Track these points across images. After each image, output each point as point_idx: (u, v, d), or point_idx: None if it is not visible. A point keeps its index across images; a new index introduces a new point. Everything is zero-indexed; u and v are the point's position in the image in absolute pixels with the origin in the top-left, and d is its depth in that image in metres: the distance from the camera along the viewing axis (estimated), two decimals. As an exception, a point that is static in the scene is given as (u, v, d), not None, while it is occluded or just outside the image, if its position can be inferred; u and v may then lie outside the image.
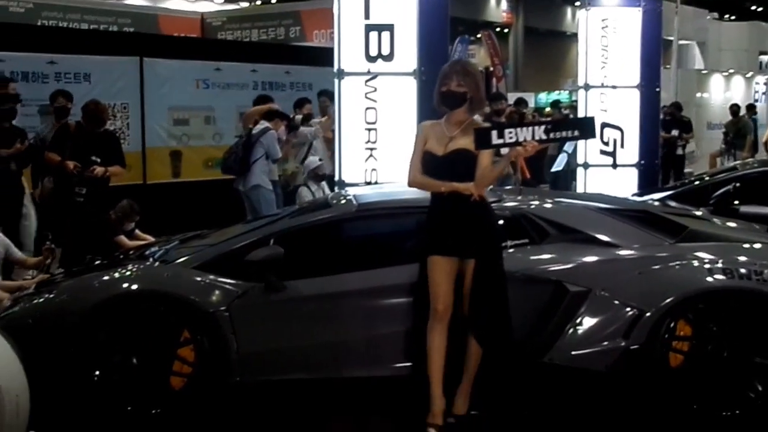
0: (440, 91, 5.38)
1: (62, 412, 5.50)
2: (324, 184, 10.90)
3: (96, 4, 20.00)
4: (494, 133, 5.15)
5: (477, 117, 5.55)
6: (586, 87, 11.92)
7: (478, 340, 5.30)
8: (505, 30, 42.24)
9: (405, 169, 5.65)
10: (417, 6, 8.05)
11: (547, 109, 25.16)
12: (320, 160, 11.09)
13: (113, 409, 5.53)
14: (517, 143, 5.11)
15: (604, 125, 11.59)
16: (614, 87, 11.77)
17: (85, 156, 8.74)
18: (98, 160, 8.72)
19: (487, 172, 5.23)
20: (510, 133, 5.12)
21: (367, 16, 8.10)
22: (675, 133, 16.87)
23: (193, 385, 5.63)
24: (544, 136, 5.14)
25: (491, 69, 30.42)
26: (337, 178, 8.40)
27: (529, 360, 5.58)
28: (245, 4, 32.72)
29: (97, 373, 5.55)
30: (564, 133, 5.25)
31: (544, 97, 34.40)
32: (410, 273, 5.58)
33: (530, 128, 5.13)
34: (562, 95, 33.77)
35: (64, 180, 8.78)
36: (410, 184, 5.55)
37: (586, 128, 5.35)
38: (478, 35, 37.64)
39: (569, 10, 45.17)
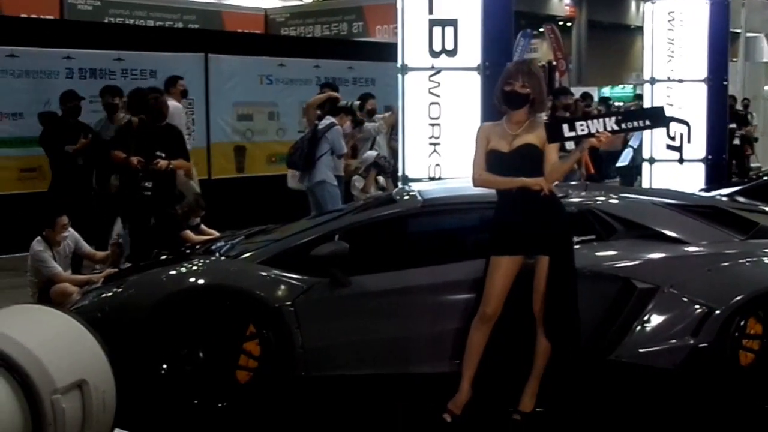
0: (503, 91, 5.34)
1: (129, 405, 5.55)
2: (381, 178, 10.92)
3: (162, 2, 20.21)
4: (566, 126, 5.17)
5: (541, 115, 5.50)
6: (652, 81, 11.75)
7: (548, 337, 5.26)
8: (568, 24, 41.93)
9: (469, 165, 5.63)
10: (481, 0, 8.01)
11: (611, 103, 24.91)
12: (380, 155, 11.09)
13: (180, 403, 5.58)
14: (589, 135, 5.12)
15: (670, 119, 11.43)
16: (681, 81, 11.58)
17: (149, 151, 8.83)
18: (162, 154, 8.80)
19: (557, 167, 5.22)
20: (582, 125, 5.13)
21: (430, 11, 8.07)
22: (733, 126, 16.58)
23: (258, 379, 5.66)
24: (615, 127, 5.15)
25: (554, 63, 30.19)
26: (400, 173, 8.40)
27: (596, 357, 5.53)
28: (308, 0, 32.84)
29: (165, 366, 5.60)
30: (635, 123, 5.24)
31: (608, 92, 34.07)
32: (475, 269, 5.56)
33: (601, 120, 5.14)
34: (626, 89, 33.44)
35: (130, 176, 8.88)
36: (476, 184, 5.51)
37: (656, 117, 5.35)
38: (541, 29, 37.43)
39: (633, 3, 44.71)
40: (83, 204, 9.73)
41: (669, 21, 11.60)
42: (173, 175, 9.15)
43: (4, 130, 11.35)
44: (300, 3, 30.38)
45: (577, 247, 5.67)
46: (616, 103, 20.18)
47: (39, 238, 8.21)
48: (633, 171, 13.36)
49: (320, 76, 14.52)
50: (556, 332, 5.29)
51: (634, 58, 44.28)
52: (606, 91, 33.74)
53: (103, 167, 10.25)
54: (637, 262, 5.72)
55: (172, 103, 10.62)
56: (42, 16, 15.80)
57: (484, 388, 5.41)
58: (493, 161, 5.39)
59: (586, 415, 5.56)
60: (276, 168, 13.04)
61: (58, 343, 2.86)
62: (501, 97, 5.37)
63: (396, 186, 9.30)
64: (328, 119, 10.39)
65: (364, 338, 5.74)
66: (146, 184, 8.71)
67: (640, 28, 43.97)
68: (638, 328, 5.53)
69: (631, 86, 34.46)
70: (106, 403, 2.84)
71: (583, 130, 5.12)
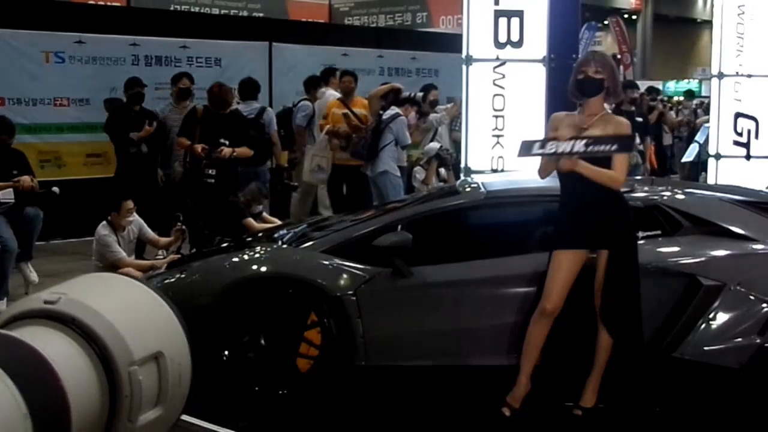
0: (577, 79, 5.29)
1: (191, 390, 5.60)
2: (442, 170, 10.87)
3: (227, -10, 20.39)
4: (537, 144, 5.19)
5: (608, 108, 5.43)
6: (720, 76, 11.55)
7: (609, 332, 5.21)
8: (634, 16, 41.40)
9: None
10: (548, -8, 7.95)
11: (676, 98, 24.61)
12: (442, 147, 11.05)
13: (241, 389, 5.62)
14: (555, 154, 5.11)
15: (738, 115, 11.24)
16: (749, 76, 11.37)
17: (214, 139, 8.90)
18: (226, 142, 8.87)
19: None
20: (552, 145, 5.13)
21: (496, 2, 8.03)
22: None
23: (318, 368, 5.68)
24: (582, 149, 5.11)
25: (619, 56, 29.95)
26: (463, 164, 8.37)
27: (659, 354, 5.46)
28: (372, -10, 32.83)
29: (227, 352, 5.65)
30: (603, 147, 5.16)
31: (673, 86, 33.65)
32: (537, 262, 5.52)
33: (571, 142, 5.09)
34: (692, 84, 32.96)
35: (194, 163, 8.97)
36: (541, 175, 5.47)
37: (624, 144, 5.29)
38: (606, 22, 37.07)
39: (701, -3, 44.06)
40: (147, 190, 9.83)
41: (739, 15, 11.38)
42: (236, 163, 9.22)
43: (71, 116, 11.52)
44: (364, -7, 30.40)
45: (642, 242, 5.60)
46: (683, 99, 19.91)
47: (104, 222, 8.31)
48: (698, 166, 13.18)
49: (383, 66, 14.55)
50: (616, 328, 5.24)
51: (699, 53, 43.69)
52: (671, 85, 33.30)
53: (168, 154, 10.37)
54: (703, 259, 5.63)
55: (330, 92, 10.82)
56: (109, 3, 15.99)
57: (545, 383, 5.38)
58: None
59: (647, 412, 5.50)
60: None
61: (135, 313, 2.87)
62: (575, 86, 5.32)
63: (457, 178, 9.28)
64: (393, 110, 10.39)
65: (424, 329, 5.73)
66: (209, 171, 8.79)
67: (706, 22, 43.51)
68: (703, 325, 5.45)
69: (696, 81, 34.01)
70: (182, 377, 2.85)
71: (552, 149, 5.13)
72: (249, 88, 11.02)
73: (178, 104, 10.60)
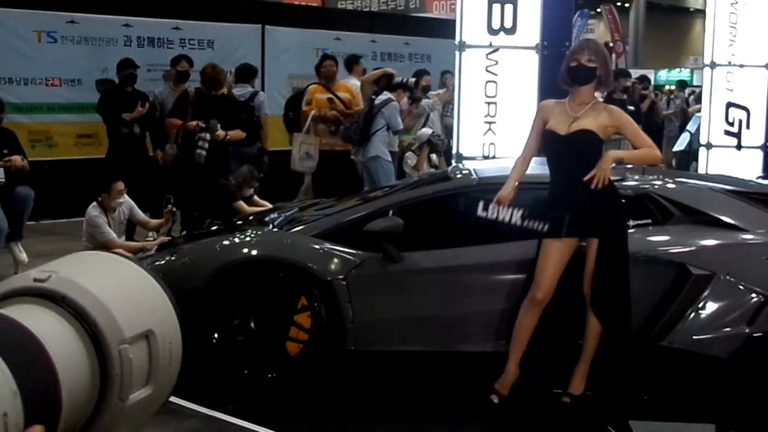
0: (569, 67, 5.29)
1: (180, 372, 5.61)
2: (433, 156, 10.88)
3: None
4: (481, 205, 5.62)
5: (599, 97, 5.44)
6: (712, 65, 11.57)
7: (599, 320, 5.23)
8: (626, 4, 41.36)
9: (524, 144, 5.63)
10: (541, -22, 7.94)
11: (667, 87, 24.64)
12: (434, 133, 11.06)
13: (231, 372, 5.63)
14: (495, 220, 5.50)
15: (729, 105, 11.27)
16: (741, 66, 11.39)
17: (206, 120, 8.91)
18: (218, 123, 8.87)
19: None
20: (493, 209, 5.51)
21: (491, -12, 8.00)
22: None
23: (308, 352, 5.69)
24: (519, 221, 5.48)
25: (611, 45, 29.93)
26: (455, 151, 8.37)
27: (648, 343, 5.48)
28: (365, -26, 32.72)
29: (216, 335, 5.65)
30: (536, 224, 5.45)
31: (665, 75, 33.67)
32: (526, 249, 5.53)
33: (510, 210, 5.47)
34: (684, 73, 33.00)
35: (187, 142, 8.95)
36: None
37: (555, 225, 5.36)
38: (598, 9, 37.06)
39: (693, -14, 44.03)
40: (138, 171, 9.81)
41: (732, 4, 11.40)
42: (228, 146, 9.22)
43: (62, 96, 11.50)
44: (357, -23, 30.31)
45: (632, 231, 5.61)
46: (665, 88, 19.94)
47: (94, 203, 8.30)
48: (690, 156, 13.21)
49: (376, 51, 14.53)
50: (605, 315, 5.26)
51: (692, 42, 43.70)
52: (663, 74, 33.33)
53: (163, 136, 10.36)
54: (693, 248, 5.64)
55: (352, 81, 10.79)
56: (102, -16, 15.88)
57: (533, 370, 5.40)
58: (548, 142, 5.39)
59: (635, 400, 5.52)
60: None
61: (126, 291, 2.85)
62: (566, 74, 5.32)
63: (449, 164, 9.28)
64: (385, 95, 10.38)
65: (414, 314, 5.74)
66: (202, 144, 8.76)
67: (699, 11, 43.49)
68: (692, 315, 5.47)
69: (688, 70, 34.04)
70: (173, 355, 2.83)
71: (493, 214, 5.50)
72: (245, 72, 11.11)
73: (176, 87, 10.57)
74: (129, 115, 10.16)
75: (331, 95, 10.45)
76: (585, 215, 5.21)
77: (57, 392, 2.41)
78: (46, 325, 2.48)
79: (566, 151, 5.28)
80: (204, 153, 8.73)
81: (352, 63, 11.88)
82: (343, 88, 10.62)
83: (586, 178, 5.10)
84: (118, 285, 2.88)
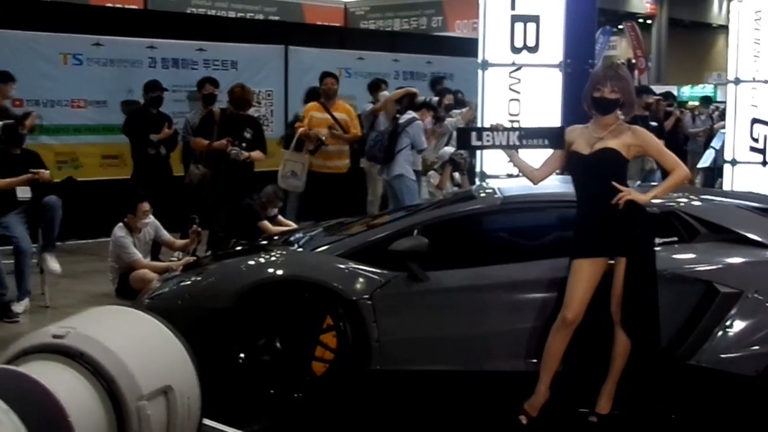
0: (593, 97, 5.30)
1: (207, 391, 5.61)
2: (456, 175, 10.87)
3: (243, -7, 20.46)
4: (474, 134, 5.63)
5: (621, 116, 5.44)
6: (736, 81, 11.51)
7: (629, 338, 5.20)
8: (648, 21, 41.26)
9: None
10: (564, -3, 7.95)
11: (690, 103, 24.52)
12: (456, 152, 11.05)
13: (257, 392, 5.63)
14: (493, 146, 5.55)
15: (754, 121, 11.19)
16: (766, 81, 11.33)
17: (235, 137, 8.98)
18: (243, 144, 8.91)
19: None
20: (488, 136, 5.54)
21: (513, 7, 8.03)
22: None
23: (333, 371, 5.68)
24: (517, 142, 5.53)
25: (633, 61, 29.88)
26: (478, 169, 8.37)
27: (676, 361, 5.45)
28: (388, -6, 32.83)
29: (242, 355, 5.66)
30: (535, 141, 5.53)
31: (688, 91, 33.52)
32: (553, 268, 5.53)
33: (506, 133, 5.53)
34: (707, 89, 32.85)
35: (216, 160, 8.97)
36: (533, 181, 5.72)
37: (554, 138, 5.53)
38: (621, 26, 36.99)
39: (716, 1, 43.86)
40: (163, 192, 9.87)
41: (756, 20, 11.35)
42: (251, 166, 9.26)
43: (88, 117, 11.59)
44: (379, -3, 30.42)
45: (658, 249, 5.59)
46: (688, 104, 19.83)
47: (121, 224, 8.35)
48: (714, 173, 13.13)
49: (399, 70, 14.57)
50: (634, 334, 5.23)
51: (715, 58, 43.50)
52: (686, 90, 33.19)
53: (187, 156, 10.42)
54: (719, 266, 5.61)
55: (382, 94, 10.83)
56: (126, 6, 16.04)
57: (559, 388, 5.37)
58: (573, 163, 5.41)
59: (663, 419, 5.49)
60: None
61: (144, 347, 2.85)
62: (590, 104, 5.33)
63: (472, 183, 9.28)
64: (410, 114, 10.38)
65: (440, 334, 5.73)
66: (236, 152, 8.78)
67: (722, 27, 43.30)
68: (720, 333, 5.43)
69: (712, 86, 33.89)
70: (191, 410, 2.83)
71: (488, 141, 5.52)
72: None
73: (205, 109, 10.62)
74: (156, 136, 10.23)
75: (327, 115, 10.30)
76: (612, 234, 5.19)
77: None
78: (63, 383, 2.48)
79: (590, 170, 5.29)
80: (239, 154, 8.80)
81: (375, 88, 11.88)
82: (341, 108, 10.51)
83: (614, 201, 5.10)
84: (137, 341, 2.89)
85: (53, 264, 8.42)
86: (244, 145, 8.96)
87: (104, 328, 2.76)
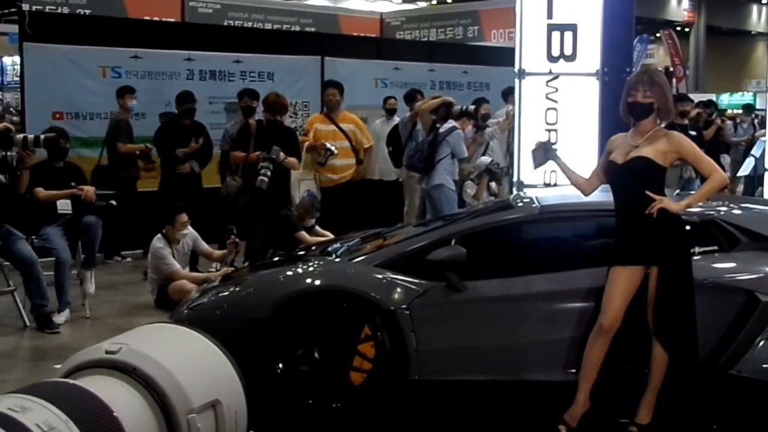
0: (626, 102, 5.29)
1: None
2: (493, 185, 10.84)
3: (279, 5, 20.50)
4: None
5: (662, 125, 5.41)
6: (776, 88, 11.44)
7: (664, 349, 5.17)
8: (686, 29, 41.05)
9: (585, 171, 5.64)
10: (601, 5, 7.92)
11: (729, 111, 24.32)
12: (493, 161, 11.02)
13: (295, 402, 5.64)
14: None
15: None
16: (806, 89, 11.24)
17: (268, 148, 9.00)
18: (279, 149, 8.92)
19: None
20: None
21: (549, 16, 8.02)
22: None
23: (371, 381, 5.68)
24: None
25: (671, 69, 29.69)
26: (515, 179, 8.35)
27: (716, 371, 5.40)
28: (423, 4, 32.92)
29: (281, 366, 5.67)
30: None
31: (726, 99, 33.27)
32: (592, 277, 5.50)
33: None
34: (746, 97, 32.58)
35: (250, 173, 9.00)
36: (584, 192, 5.71)
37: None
38: (658, 34, 36.80)
39: (754, 9, 43.52)
40: (191, 204, 9.93)
41: (795, 27, 11.25)
42: (288, 174, 9.29)
43: (127, 130, 11.66)
44: (415, 7, 30.50)
45: (698, 258, 5.55)
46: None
47: (159, 235, 8.42)
48: (755, 181, 13.01)
49: (435, 80, 14.58)
50: (670, 344, 5.19)
51: (753, 65, 43.17)
52: (724, 98, 32.93)
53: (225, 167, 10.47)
54: (761, 275, 5.55)
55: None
56: (164, 19, 16.16)
57: (599, 399, 5.34)
58: (609, 172, 5.43)
59: (704, 430, 5.43)
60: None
61: (194, 363, 2.94)
62: (625, 109, 5.32)
63: (508, 192, 9.25)
64: (450, 123, 10.37)
65: (478, 344, 5.71)
66: (264, 171, 8.79)
67: (761, 35, 42.96)
68: (762, 343, 5.37)
69: (751, 94, 33.60)
70: (238, 424, 2.91)
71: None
72: None
73: (245, 120, 10.68)
74: (182, 150, 10.28)
75: (333, 126, 10.25)
76: (646, 243, 5.16)
77: None
78: (117, 396, 2.56)
79: (624, 178, 5.28)
80: (266, 180, 8.76)
81: (410, 99, 11.88)
82: (347, 118, 10.46)
83: (647, 211, 5.07)
84: (186, 356, 2.95)
85: (89, 286, 8.51)
86: (280, 150, 8.94)
87: (155, 344, 2.82)
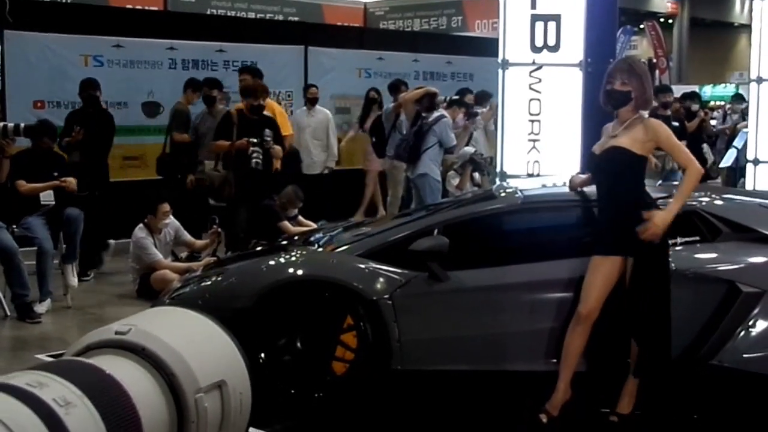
0: (605, 90, 5.29)
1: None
2: (476, 175, 10.85)
3: (262, -6, 20.49)
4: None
5: (644, 113, 5.41)
6: (759, 80, 11.42)
7: (635, 339, 5.19)
8: (670, 20, 41.08)
9: (567, 162, 5.66)
10: (585, -4, 7.92)
11: (712, 102, 24.38)
12: (477, 152, 11.04)
13: (277, 392, 5.64)
14: None
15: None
16: (788, 80, 11.25)
17: (255, 136, 8.98)
18: (268, 134, 8.87)
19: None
20: None
21: (533, 6, 8.02)
22: None
23: (354, 371, 5.68)
24: None
25: (654, 61, 29.75)
26: (498, 169, 8.35)
27: (698, 361, 5.42)
28: (406, -6, 32.78)
29: (263, 355, 5.66)
30: None
31: (709, 91, 33.36)
32: (573, 268, 5.51)
33: None
34: (728, 89, 32.68)
35: (240, 160, 8.94)
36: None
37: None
38: (642, 26, 36.85)
39: (738, 1, 43.62)
40: (181, 193, 9.89)
41: (779, 19, 11.26)
42: (271, 167, 9.26)
43: (109, 119, 11.61)
44: (399, -3, 30.40)
45: (680, 248, 5.57)
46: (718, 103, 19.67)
47: (141, 225, 8.39)
48: (737, 172, 13.05)
49: (419, 71, 14.56)
50: (641, 334, 5.20)
51: (737, 57, 43.29)
52: (707, 90, 33.03)
53: (195, 158, 10.37)
54: (742, 265, 5.57)
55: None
56: (146, 8, 16.10)
57: (580, 389, 5.36)
58: (588, 163, 5.44)
59: (685, 420, 5.46)
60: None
61: (200, 344, 2.99)
62: (603, 97, 5.32)
63: (492, 182, 9.26)
64: (439, 112, 10.36)
65: (461, 334, 5.72)
66: (256, 155, 8.76)
67: (744, 26, 43.06)
68: (742, 333, 5.40)
69: (734, 85, 33.71)
70: (243, 405, 2.96)
71: None
72: None
73: (210, 110, 10.60)
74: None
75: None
76: (624, 233, 5.15)
77: None
78: (128, 375, 2.60)
79: (602, 169, 5.30)
80: (260, 161, 8.74)
81: (395, 89, 11.85)
82: (266, 107, 9.72)
83: (638, 228, 5.04)
84: (193, 338, 2.99)
85: (71, 278, 8.48)
86: (269, 136, 8.89)
87: (163, 326, 2.87)
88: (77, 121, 9.81)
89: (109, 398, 2.42)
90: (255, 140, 8.73)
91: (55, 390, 2.28)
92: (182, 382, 2.71)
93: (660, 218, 5.04)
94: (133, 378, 2.61)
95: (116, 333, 2.76)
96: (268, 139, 8.76)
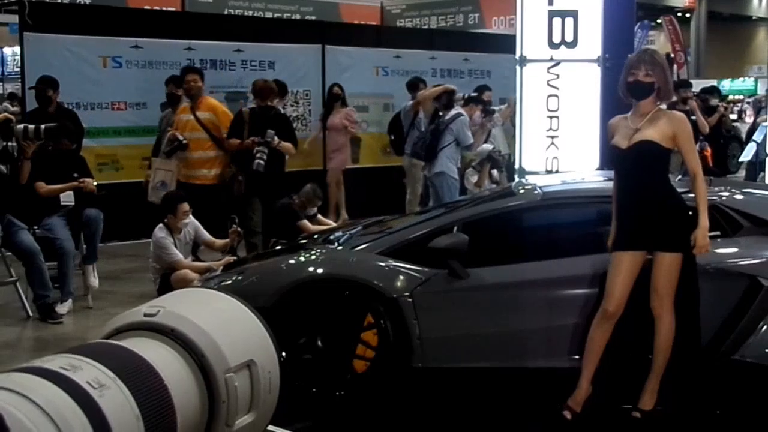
0: (627, 81, 5.25)
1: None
2: (494, 172, 10.84)
3: (279, -6, 20.52)
4: None
5: (663, 106, 5.38)
6: (778, 74, 11.41)
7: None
8: (687, 15, 40.93)
9: (586, 158, 5.62)
10: (603, -9, 7.91)
11: (731, 97, 24.25)
12: (495, 149, 11.03)
13: (298, 391, 5.65)
14: None
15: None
16: (808, 74, 11.21)
17: (261, 135, 9.06)
18: (273, 132, 8.96)
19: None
20: None
21: (550, 2, 8.04)
22: None
23: (375, 369, 5.69)
24: None
25: (672, 55, 29.64)
26: (517, 165, 8.35)
27: (720, 356, 5.40)
28: (423, -8, 32.75)
29: (284, 354, 5.66)
30: None
31: (728, 85, 33.23)
32: (594, 264, 5.50)
33: None
34: (747, 83, 32.54)
35: (247, 159, 9.03)
36: None
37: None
38: (659, 20, 36.71)
39: (756, -6, 43.45)
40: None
41: (797, 12, 11.21)
42: (283, 157, 9.34)
43: (127, 120, 11.69)
44: (415, -6, 30.39)
45: (701, 243, 5.54)
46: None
47: (161, 225, 8.39)
48: (757, 166, 12.99)
49: (436, 68, 14.55)
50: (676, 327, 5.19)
51: (755, 51, 43.13)
52: (726, 84, 32.88)
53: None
54: (763, 260, 5.54)
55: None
56: (164, 8, 16.15)
57: (603, 385, 5.34)
58: (612, 157, 5.39)
59: (707, 415, 5.44)
60: (391, 159, 13.07)
61: (229, 324, 3.02)
62: (625, 89, 5.28)
63: (511, 179, 9.25)
64: (456, 110, 10.35)
65: (481, 331, 5.72)
66: (260, 155, 8.84)
67: (762, 20, 42.91)
68: (764, 327, 5.37)
69: (752, 79, 33.56)
70: (272, 384, 3.00)
71: None
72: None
73: (172, 110, 10.43)
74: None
75: (191, 116, 9.42)
76: (650, 228, 5.15)
77: (173, 418, 2.55)
78: (158, 356, 2.63)
79: (630, 164, 5.23)
80: (263, 162, 8.85)
81: (413, 87, 11.86)
82: (205, 106, 9.48)
83: (694, 251, 5.07)
84: (222, 318, 3.03)
85: (92, 279, 8.53)
86: (274, 133, 9.01)
87: (191, 307, 2.91)
88: (35, 122, 9.02)
89: (140, 379, 2.45)
90: (260, 140, 8.82)
91: (89, 373, 2.31)
92: (212, 362, 2.75)
93: (701, 236, 5.08)
94: (163, 359, 2.64)
95: (145, 315, 2.80)
96: (269, 139, 8.83)
